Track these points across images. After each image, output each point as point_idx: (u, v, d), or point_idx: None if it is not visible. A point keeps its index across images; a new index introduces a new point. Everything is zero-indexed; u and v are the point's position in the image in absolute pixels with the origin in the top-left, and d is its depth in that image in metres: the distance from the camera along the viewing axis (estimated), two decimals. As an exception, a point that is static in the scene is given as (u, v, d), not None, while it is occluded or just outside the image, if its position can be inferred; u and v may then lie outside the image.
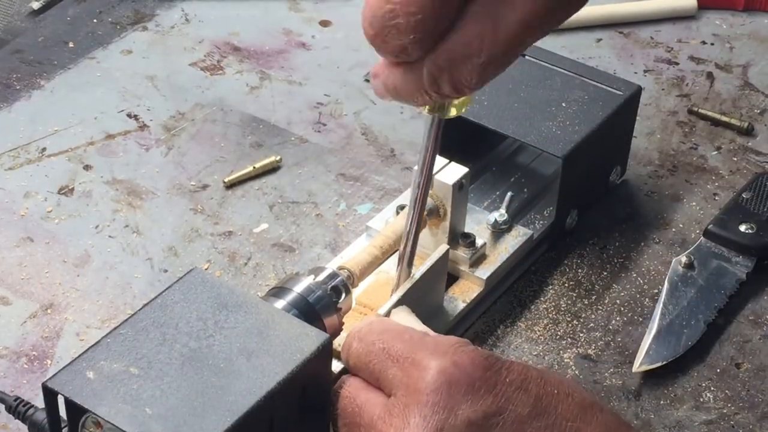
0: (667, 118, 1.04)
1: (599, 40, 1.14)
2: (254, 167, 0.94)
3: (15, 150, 0.96)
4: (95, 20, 1.13)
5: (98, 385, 0.61)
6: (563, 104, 0.88)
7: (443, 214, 0.80)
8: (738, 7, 1.19)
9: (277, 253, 0.88)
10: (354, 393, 0.66)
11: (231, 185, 0.93)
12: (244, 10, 1.13)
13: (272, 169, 0.95)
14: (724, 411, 0.78)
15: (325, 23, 1.13)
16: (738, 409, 0.78)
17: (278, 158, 0.95)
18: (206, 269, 0.85)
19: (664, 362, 0.80)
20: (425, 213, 0.79)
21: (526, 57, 0.94)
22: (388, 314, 0.73)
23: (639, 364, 0.79)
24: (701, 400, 0.79)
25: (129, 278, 0.85)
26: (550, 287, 0.86)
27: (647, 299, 0.86)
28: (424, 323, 0.77)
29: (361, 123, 1.02)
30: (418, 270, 0.76)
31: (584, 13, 1.15)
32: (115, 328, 0.65)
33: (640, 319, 0.84)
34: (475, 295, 0.82)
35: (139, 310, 0.66)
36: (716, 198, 0.95)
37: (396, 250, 0.79)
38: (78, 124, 0.99)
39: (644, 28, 1.16)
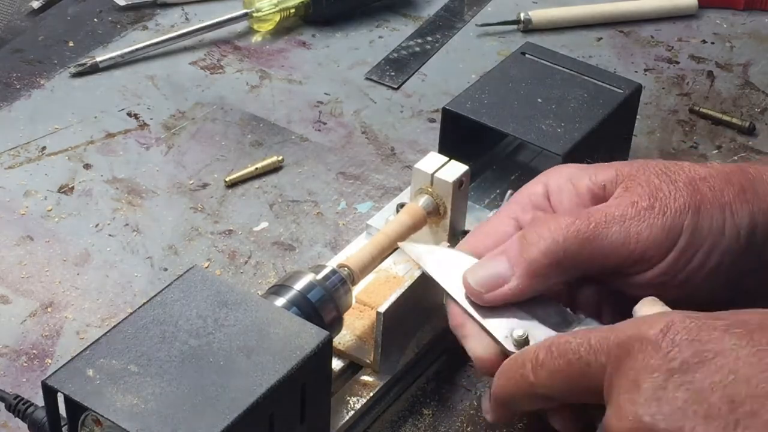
0: (668, 116, 1.04)
1: (599, 38, 1.15)
2: (256, 168, 0.94)
3: (15, 149, 0.96)
4: (95, 19, 1.13)
5: (98, 383, 0.61)
6: (563, 102, 0.88)
7: (443, 212, 0.80)
8: (738, 7, 1.19)
9: (277, 251, 0.88)
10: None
11: (232, 184, 0.93)
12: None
13: (273, 169, 0.95)
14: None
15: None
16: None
17: (280, 158, 0.95)
18: (206, 268, 0.85)
19: None
20: (425, 212, 0.79)
21: (526, 56, 0.94)
22: (390, 308, 0.73)
23: None
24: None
25: (129, 277, 0.85)
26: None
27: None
28: (424, 323, 0.78)
29: (361, 122, 1.02)
30: (418, 269, 0.76)
31: (585, 11, 1.16)
32: (115, 326, 0.65)
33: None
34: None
35: (139, 307, 0.66)
36: (717, 196, 0.95)
37: (396, 249, 0.79)
38: (78, 122, 0.99)
39: (644, 27, 1.16)
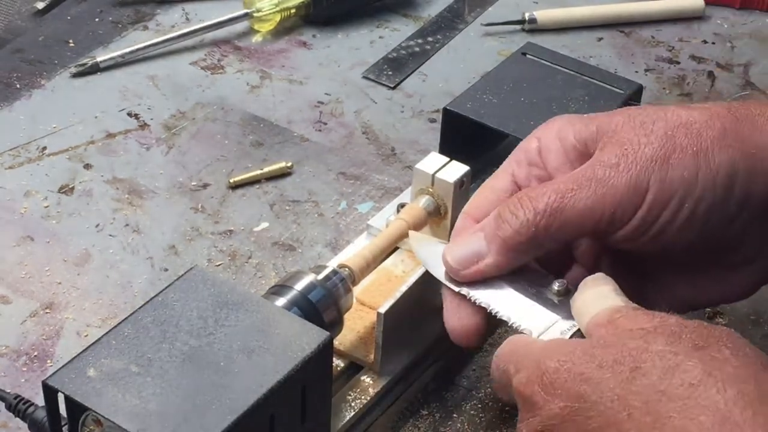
0: (668, 117, 1.04)
1: (600, 39, 1.14)
2: (262, 172, 0.94)
3: (15, 149, 0.96)
4: (96, 19, 1.13)
5: (98, 383, 0.61)
6: (564, 103, 0.88)
7: (444, 213, 0.80)
8: (735, 6, 1.19)
9: (278, 252, 0.88)
10: None
11: (235, 186, 0.93)
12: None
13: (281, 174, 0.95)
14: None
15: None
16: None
17: (289, 164, 0.95)
18: (211, 269, 0.85)
19: None
20: (426, 212, 0.79)
21: (527, 56, 0.94)
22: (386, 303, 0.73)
23: None
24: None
25: (129, 277, 0.85)
26: (551, 286, 0.86)
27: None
28: (424, 323, 0.77)
29: (362, 122, 1.02)
30: (419, 269, 0.76)
31: (591, 12, 1.16)
32: (116, 326, 0.65)
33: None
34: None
35: (140, 308, 0.66)
36: (717, 197, 0.95)
37: (396, 249, 0.79)
38: (78, 123, 0.99)
39: (645, 28, 1.16)
